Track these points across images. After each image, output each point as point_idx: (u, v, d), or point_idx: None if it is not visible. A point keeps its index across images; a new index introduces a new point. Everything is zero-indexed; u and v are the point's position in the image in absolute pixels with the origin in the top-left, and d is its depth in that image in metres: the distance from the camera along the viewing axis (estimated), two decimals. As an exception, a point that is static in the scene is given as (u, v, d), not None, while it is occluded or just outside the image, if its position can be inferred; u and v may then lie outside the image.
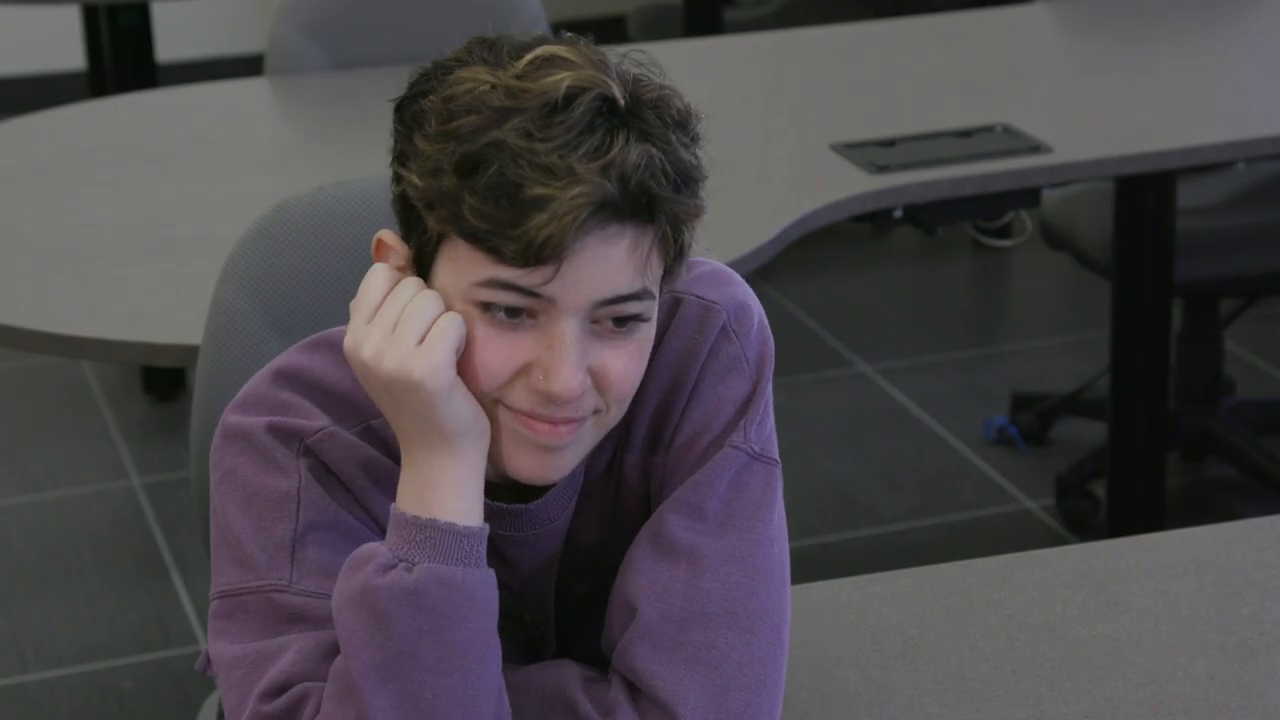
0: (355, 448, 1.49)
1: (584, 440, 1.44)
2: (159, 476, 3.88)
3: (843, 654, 1.71)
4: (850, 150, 2.97)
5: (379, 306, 1.42)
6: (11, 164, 3.04)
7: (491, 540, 1.44)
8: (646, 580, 1.47)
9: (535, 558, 1.53)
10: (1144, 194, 3.34)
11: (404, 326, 1.40)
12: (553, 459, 1.42)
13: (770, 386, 1.53)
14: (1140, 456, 3.50)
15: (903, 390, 4.20)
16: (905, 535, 3.64)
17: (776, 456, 1.53)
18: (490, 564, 1.42)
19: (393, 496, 1.44)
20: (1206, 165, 3.27)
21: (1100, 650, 1.72)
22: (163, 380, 4.18)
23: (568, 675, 1.49)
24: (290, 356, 1.53)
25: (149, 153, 3.11)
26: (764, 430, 1.52)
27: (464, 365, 1.41)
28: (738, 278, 1.56)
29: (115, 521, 3.75)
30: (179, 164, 3.05)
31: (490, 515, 1.46)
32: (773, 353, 1.53)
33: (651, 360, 1.47)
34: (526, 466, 1.43)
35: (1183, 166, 3.16)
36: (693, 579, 1.47)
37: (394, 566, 1.39)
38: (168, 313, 2.47)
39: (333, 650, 1.43)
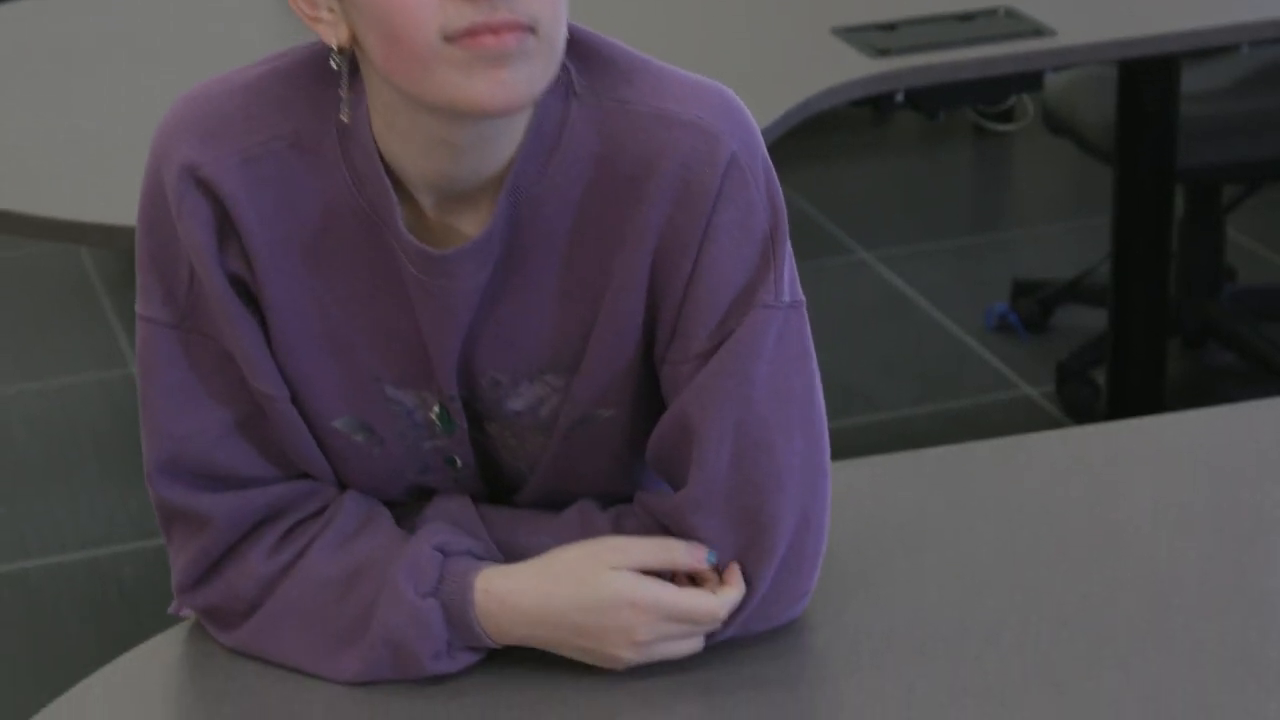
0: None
1: (533, 66, 1.40)
2: (158, 364, 3.87)
3: (840, 537, 1.71)
4: (851, 34, 2.95)
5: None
6: (9, 51, 3.02)
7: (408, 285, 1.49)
8: (700, 452, 1.50)
9: (440, 316, 1.50)
10: (1147, 79, 3.32)
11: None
12: (507, 75, 1.39)
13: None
14: (1141, 343, 3.49)
15: (903, 277, 4.19)
16: (905, 423, 3.64)
17: (801, 293, 1.54)
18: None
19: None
20: (1210, 49, 3.24)
21: (1099, 534, 1.72)
22: (162, 269, 4.17)
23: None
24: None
25: (148, 41, 3.09)
26: (789, 273, 1.53)
27: (389, 33, 1.39)
28: (736, 103, 1.53)
29: (115, 410, 3.75)
30: (179, 53, 3.03)
31: (409, 251, 1.48)
32: (779, 187, 1.53)
33: (646, 180, 1.47)
34: (485, 92, 1.39)
35: (1186, 50, 3.13)
36: (747, 447, 1.51)
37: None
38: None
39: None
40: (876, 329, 4.00)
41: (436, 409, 1.55)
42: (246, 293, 1.50)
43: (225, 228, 1.48)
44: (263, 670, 1.54)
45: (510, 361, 1.54)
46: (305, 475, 1.57)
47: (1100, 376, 3.64)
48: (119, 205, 2.46)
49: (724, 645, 1.54)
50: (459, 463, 1.58)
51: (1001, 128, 4.91)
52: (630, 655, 1.51)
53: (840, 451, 1.67)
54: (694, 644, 1.53)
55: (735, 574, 1.53)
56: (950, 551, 1.69)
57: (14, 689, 2.97)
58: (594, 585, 1.49)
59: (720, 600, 1.51)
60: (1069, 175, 4.70)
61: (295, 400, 1.53)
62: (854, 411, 3.63)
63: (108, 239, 2.43)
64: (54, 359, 3.95)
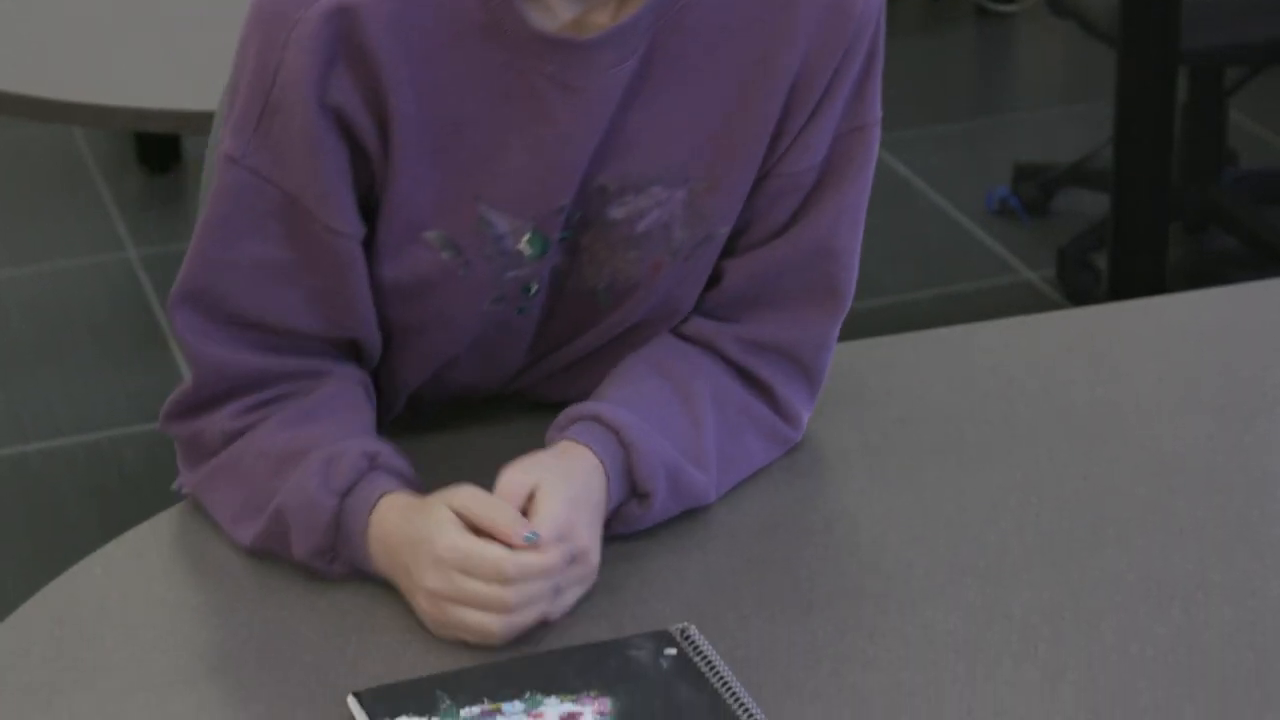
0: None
1: None
2: (155, 248, 3.86)
3: (841, 417, 1.70)
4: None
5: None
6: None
7: (535, 91, 1.48)
8: (839, 269, 1.64)
9: (574, 118, 1.49)
10: (1151, -41, 3.29)
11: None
12: None
13: None
14: (1142, 228, 3.48)
15: (903, 161, 4.17)
16: (905, 307, 3.63)
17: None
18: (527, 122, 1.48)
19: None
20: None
21: (1100, 414, 1.71)
22: (157, 152, 4.15)
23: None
24: None
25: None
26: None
27: None
28: None
29: (112, 294, 3.74)
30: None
31: (546, 49, 1.47)
32: None
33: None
34: None
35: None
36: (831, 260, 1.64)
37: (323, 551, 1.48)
38: (159, 80, 2.45)
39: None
40: (877, 213, 3.95)
41: (528, 235, 1.53)
42: (342, 124, 1.47)
43: (342, 53, 1.45)
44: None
45: (625, 169, 1.52)
46: (321, 353, 1.55)
47: (1101, 261, 3.63)
48: (111, 85, 2.45)
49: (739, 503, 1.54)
50: (533, 289, 1.55)
51: (1004, 9, 4.87)
52: (426, 606, 1.42)
53: (841, 336, 1.66)
54: (491, 621, 1.40)
55: (549, 548, 1.43)
56: (951, 432, 1.69)
57: (15, 572, 2.98)
58: (422, 515, 1.45)
59: (516, 560, 1.40)
60: (1071, 58, 4.66)
61: (387, 213, 1.51)
62: (856, 296, 3.61)
63: (100, 119, 2.42)
64: (49, 243, 3.94)
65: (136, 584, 1.53)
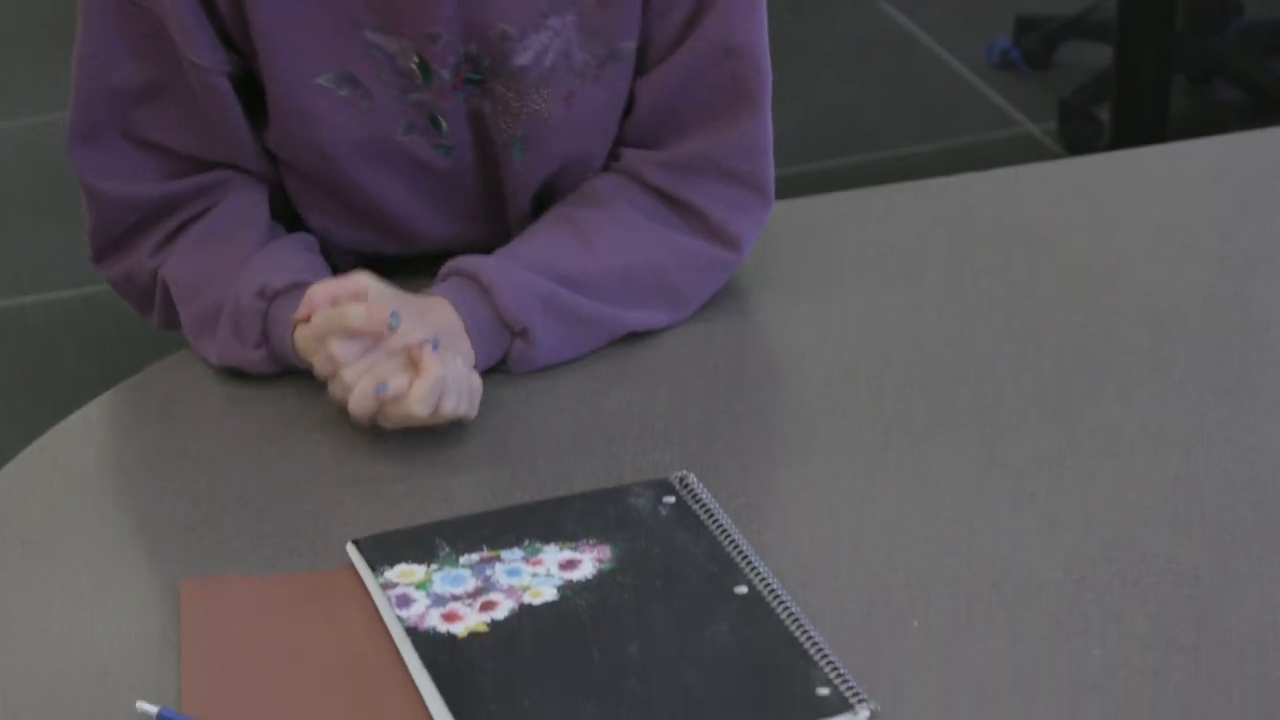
0: None
1: None
2: (152, 101, 3.84)
3: (842, 266, 1.70)
4: None
5: None
6: None
7: None
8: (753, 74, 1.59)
9: None
10: None
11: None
12: None
13: None
14: (1145, 79, 3.45)
15: (905, 13, 4.14)
16: (906, 160, 3.61)
17: None
18: None
19: None
20: None
21: (1100, 263, 1.70)
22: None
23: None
24: None
25: None
26: None
27: None
28: None
29: (109, 147, 3.72)
30: None
31: None
32: None
33: None
34: None
35: None
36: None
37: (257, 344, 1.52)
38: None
39: None
40: (879, 65, 3.95)
41: (416, 58, 1.54)
42: None
43: None
44: (260, 395, 1.54)
45: (518, 10, 1.53)
46: (217, 170, 1.59)
47: (1103, 113, 3.60)
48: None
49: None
50: (444, 125, 1.57)
51: None
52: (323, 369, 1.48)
53: (842, 188, 1.66)
54: (354, 396, 1.44)
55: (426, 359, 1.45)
56: (950, 282, 1.68)
57: (13, 424, 2.98)
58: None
59: (366, 314, 1.44)
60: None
61: (275, 64, 1.53)
62: (856, 148, 3.61)
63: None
64: (44, 95, 3.91)
65: (134, 433, 1.53)
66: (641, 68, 1.60)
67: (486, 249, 1.59)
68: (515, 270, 1.54)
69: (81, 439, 1.51)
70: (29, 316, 3.27)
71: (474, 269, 1.53)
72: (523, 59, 1.55)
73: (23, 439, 1.55)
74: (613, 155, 1.64)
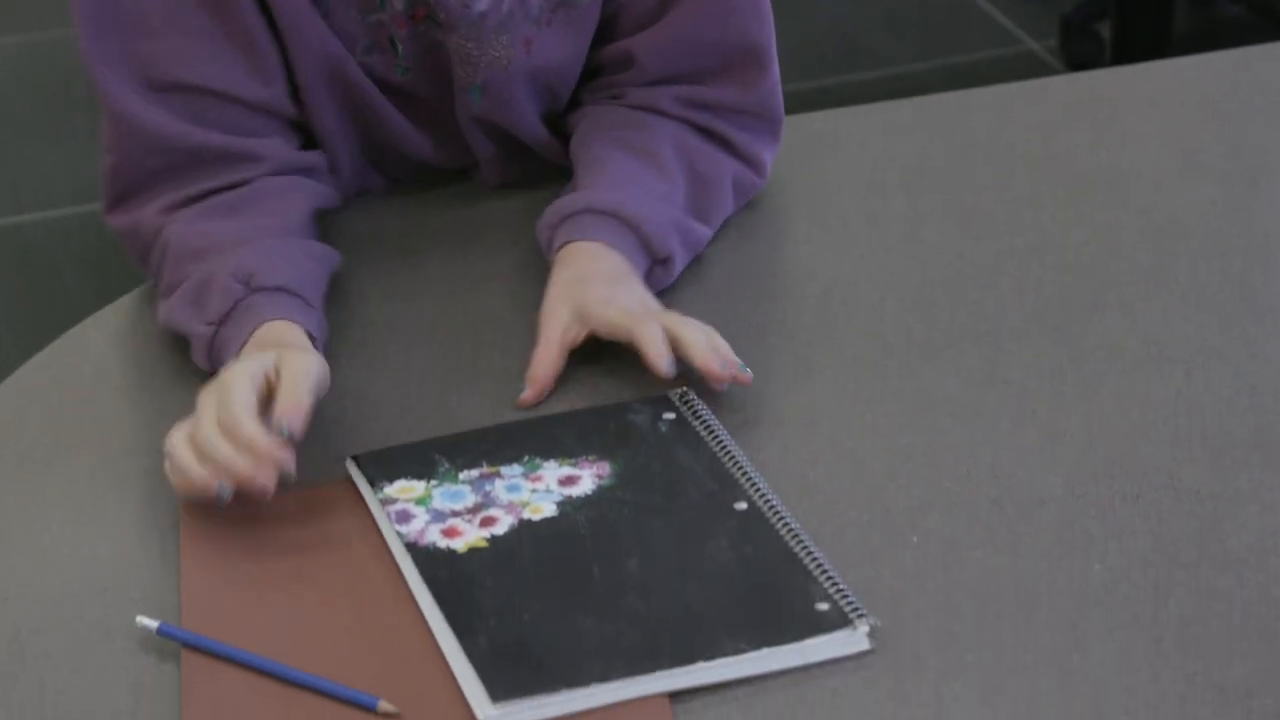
0: None
1: None
2: (150, 18, 3.82)
3: (841, 183, 1.69)
4: None
5: None
6: None
7: None
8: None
9: None
10: None
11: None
12: None
13: None
14: (1147, -6, 3.44)
15: (907, -71, 4.12)
16: (907, 78, 3.60)
17: None
18: None
19: None
20: None
21: (1102, 178, 1.70)
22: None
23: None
24: None
25: None
26: None
27: None
28: None
29: (106, 64, 3.70)
30: None
31: None
32: None
33: None
34: None
35: None
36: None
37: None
38: None
39: None
40: (879, -18, 3.93)
41: None
42: None
43: None
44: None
45: None
46: (248, 131, 1.55)
47: (1105, 29, 3.59)
48: None
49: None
50: (400, 50, 1.57)
51: None
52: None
53: (839, 103, 1.65)
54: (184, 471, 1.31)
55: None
56: (950, 198, 1.67)
57: (11, 341, 2.98)
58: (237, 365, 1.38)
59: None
60: None
61: None
62: (856, 67, 3.59)
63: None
64: (43, 11, 3.89)
65: (131, 348, 1.52)
66: (631, 26, 1.60)
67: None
68: (650, 202, 1.54)
69: (79, 355, 1.51)
70: (28, 233, 3.27)
71: (613, 205, 1.52)
72: (481, 4, 1.55)
73: (21, 356, 1.54)
74: (612, 97, 1.64)
